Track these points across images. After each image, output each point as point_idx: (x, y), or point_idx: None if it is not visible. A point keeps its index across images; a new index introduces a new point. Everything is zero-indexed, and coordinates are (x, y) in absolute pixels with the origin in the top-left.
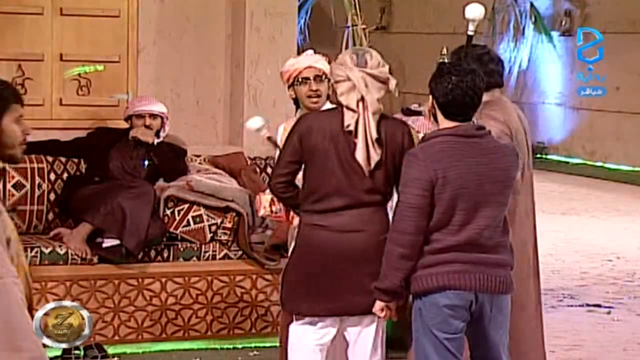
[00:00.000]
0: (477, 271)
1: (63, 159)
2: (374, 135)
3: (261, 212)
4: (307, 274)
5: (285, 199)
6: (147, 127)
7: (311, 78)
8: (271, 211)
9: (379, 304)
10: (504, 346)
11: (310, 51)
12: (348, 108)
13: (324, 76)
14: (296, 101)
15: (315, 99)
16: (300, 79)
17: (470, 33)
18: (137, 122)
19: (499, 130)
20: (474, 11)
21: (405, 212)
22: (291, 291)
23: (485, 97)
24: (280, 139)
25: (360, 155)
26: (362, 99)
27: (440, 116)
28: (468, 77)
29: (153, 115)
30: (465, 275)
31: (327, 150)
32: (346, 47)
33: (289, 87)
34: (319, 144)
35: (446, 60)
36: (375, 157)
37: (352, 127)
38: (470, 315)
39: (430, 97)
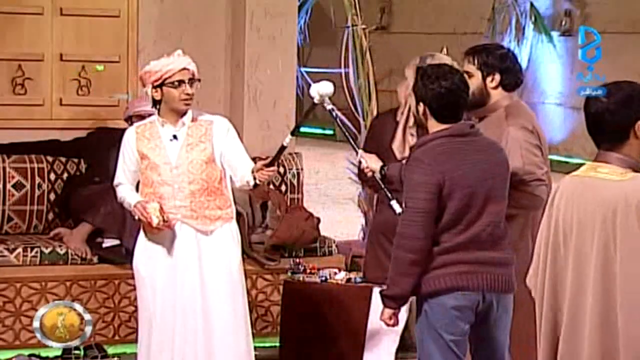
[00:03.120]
0: (484, 271)
1: (63, 159)
2: (411, 122)
3: (155, 221)
4: (379, 248)
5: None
6: None
7: (186, 81)
8: (163, 220)
9: (387, 312)
10: (507, 347)
11: (180, 51)
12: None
13: (194, 79)
14: (155, 102)
15: (189, 102)
16: (174, 81)
17: (328, 107)
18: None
19: (525, 142)
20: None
21: (413, 217)
22: (369, 261)
23: (506, 100)
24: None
25: (395, 143)
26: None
27: (431, 120)
28: (456, 79)
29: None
30: (473, 275)
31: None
32: (346, 47)
33: (155, 87)
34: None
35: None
36: (411, 141)
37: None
38: (475, 316)
39: (420, 104)
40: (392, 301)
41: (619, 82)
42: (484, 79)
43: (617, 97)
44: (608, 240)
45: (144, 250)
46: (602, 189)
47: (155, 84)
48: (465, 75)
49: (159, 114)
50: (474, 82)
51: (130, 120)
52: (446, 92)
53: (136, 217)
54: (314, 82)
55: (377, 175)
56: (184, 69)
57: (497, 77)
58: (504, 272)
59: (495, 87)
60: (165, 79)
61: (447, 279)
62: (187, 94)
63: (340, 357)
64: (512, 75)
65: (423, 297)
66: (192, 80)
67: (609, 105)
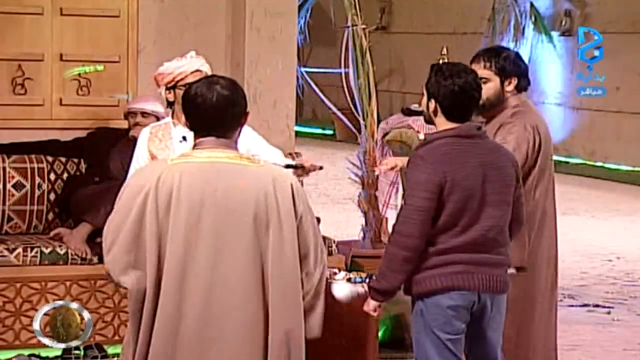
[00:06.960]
0: (479, 271)
1: (63, 159)
2: None
3: None
4: None
5: None
6: (137, 124)
7: None
8: None
9: (372, 304)
10: (500, 346)
11: (193, 52)
12: None
13: None
14: (170, 104)
15: None
16: (186, 84)
17: None
18: (132, 120)
19: (519, 142)
20: None
21: (412, 215)
22: None
23: (515, 99)
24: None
25: None
26: None
27: (440, 118)
28: (470, 78)
29: (145, 114)
30: (469, 275)
31: None
32: (346, 47)
33: (168, 89)
34: None
35: (447, 61)
36: None
37: None
38: (470, 315)
39: (431, 100)
40: (380, 295)
41: None
42: (502, 83)
43: None
44: None
45: None
46: None
47: (168, 85)
48: (480, 81)
49: (172, 114)
50: (491, 87)
51: (127, 117)
52: (459, 90)
53: None
54: (314, 82)
55: None
56: (197, 70)
57: (515, 81)
58: (499, 272)
59: (511, 91)
60: (178, 81)
61: (443, 279)
62: None
63: (340, 357)
64: (526, 77)
65: (419, 296)
66: None
67: None
